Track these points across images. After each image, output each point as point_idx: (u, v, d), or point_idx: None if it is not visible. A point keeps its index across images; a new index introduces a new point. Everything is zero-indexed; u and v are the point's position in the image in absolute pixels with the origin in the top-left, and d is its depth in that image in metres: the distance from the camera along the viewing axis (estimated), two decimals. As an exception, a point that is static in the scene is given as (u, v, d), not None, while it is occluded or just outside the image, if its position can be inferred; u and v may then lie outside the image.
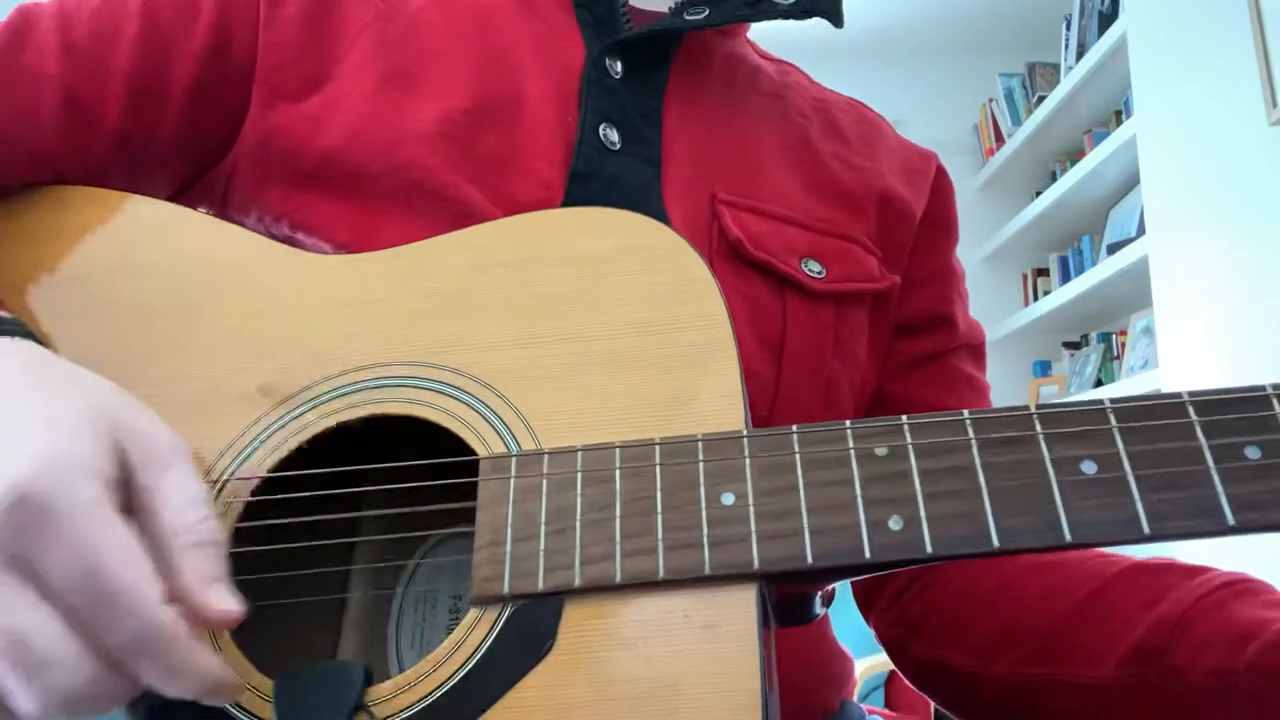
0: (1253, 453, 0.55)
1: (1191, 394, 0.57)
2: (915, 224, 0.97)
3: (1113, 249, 4.07)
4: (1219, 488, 0.54)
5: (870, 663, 2.34)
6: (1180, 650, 0.71)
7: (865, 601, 0.99)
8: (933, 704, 0.93)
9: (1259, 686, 0.66)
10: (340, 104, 0.81)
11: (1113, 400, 0.58)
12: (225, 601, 0.53)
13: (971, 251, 5.22)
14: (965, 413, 0.59)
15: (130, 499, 0.54)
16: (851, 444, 0.59)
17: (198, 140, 0.84)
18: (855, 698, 0.98)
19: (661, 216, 0.70)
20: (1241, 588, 0.73)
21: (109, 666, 0.50)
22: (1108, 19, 4.22)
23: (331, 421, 0.67)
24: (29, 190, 0.80)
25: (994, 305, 5.14)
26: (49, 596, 0.49)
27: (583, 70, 0.86)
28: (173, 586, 0.52)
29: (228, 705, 0.60)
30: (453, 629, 0.60)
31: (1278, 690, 0.65)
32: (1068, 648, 0.78)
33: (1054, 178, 4.87)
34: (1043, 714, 0.80)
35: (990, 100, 5.38)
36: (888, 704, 2.39)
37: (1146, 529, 0.54)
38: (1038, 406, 0.58)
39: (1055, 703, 0.79)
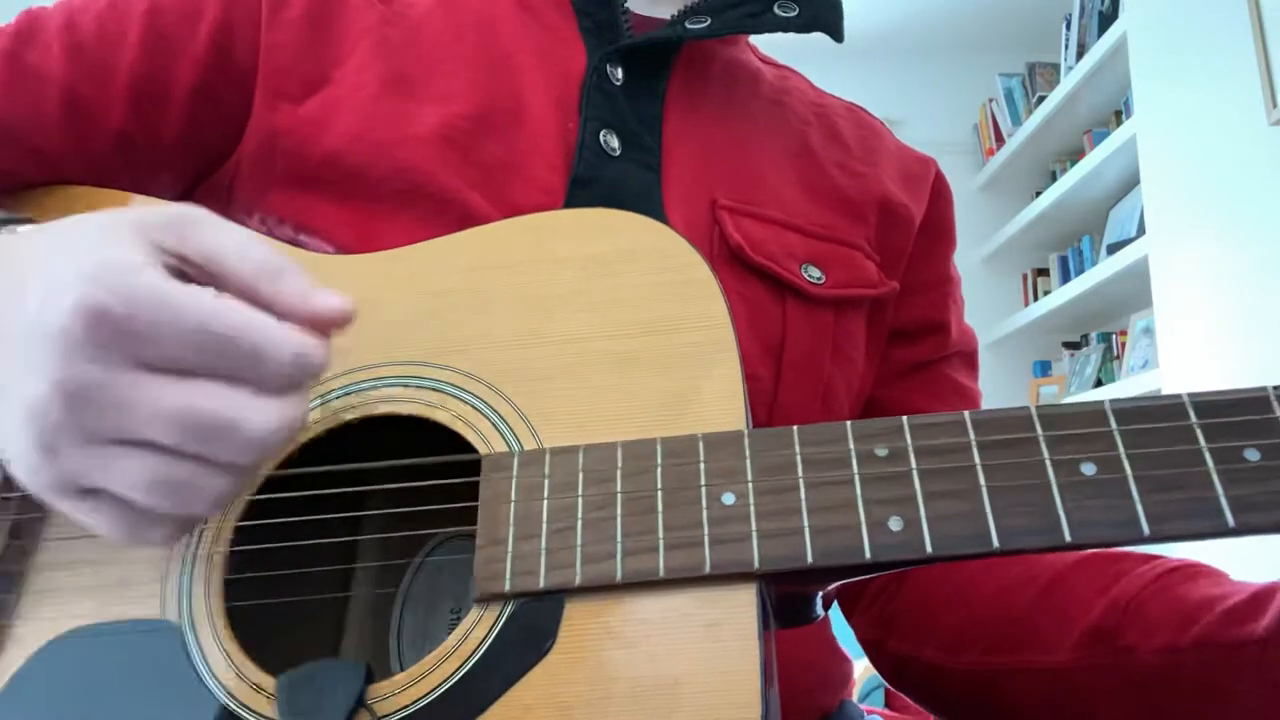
0: (1253, 455, 0.55)
1: (1192, 396, 0.57)
2: (914, 230, 0.98)
3: (1113, 249, 4.07)
4: (1219, 489, 0.54)
5: (870, 663, 2.32)
6: (1131, 631, 0.73)
7: (847, 602, 0.99)
8: (923, 708, 0.94)
9: (1203, 662, 0.68)
10: (341, 106, 0.81)
11: (1113, 402, 0.58)
12: (331, 300, 0.55)
13: (971, 252, 5.23)
14: (966, 414, 0.60)
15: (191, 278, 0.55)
16: (852, 444, 0.59)
17: (201, 142, 0.85)
18: (855, 698, 0.98)
19: (661, 222, 0.71)
20: (1191, 571, 0.76)
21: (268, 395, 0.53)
22: (1108, 19, 4.22)
23: (334, 421, 0.67)
24: (33, 190, 0.81)
25: (994, 305, 5.14)
26: (161, 372, 0.51)
27: (584, 77, 0.86)
28: (275, 314, 0.54)
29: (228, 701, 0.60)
30: (454, 628, 0.60)
31: (1221, 666, 0.67)
32: (1027, 636, 0.80)
33: (1054, 178, 4.87)
34: (1008, 702, 0.81)
35: (990, 100, 5.38)
36: (888, 704, 2.38)
37: (1146, 530, 0.54)
38: (1038, 407, 0.59)
39: (1018, 690, 0.80)
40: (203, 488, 0.53)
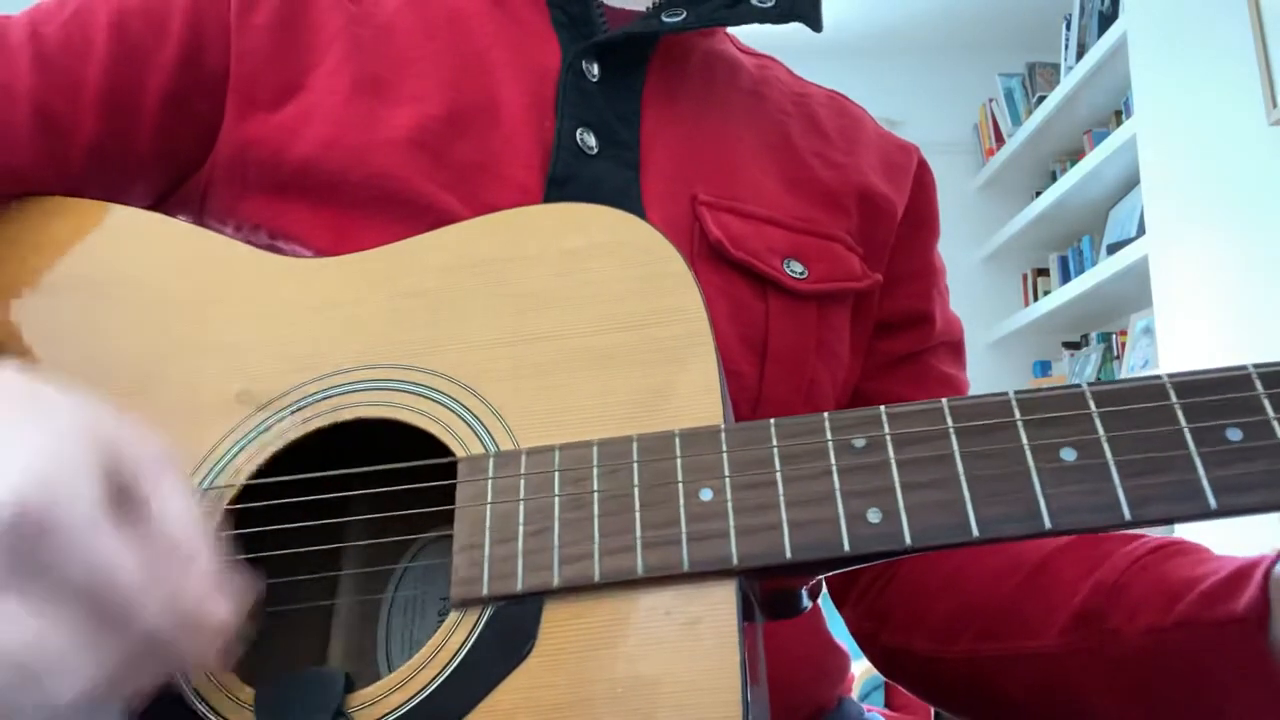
0: (1234, 435, 0.54)
1: (1172, 376, 0.57)
2: (896, 221, 0.97)
3: (1113, 249, 4.08)
4: (1200, 471, 0.53)
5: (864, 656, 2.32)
6: (1116, 613, 0.72)
7: (838, 595, 0.99)
8: (917, 697, 0.94)
9: (1187, 641, 0.67)
10: (314, 112, 0.81)
11: (1092, 384, 0.58)
12: (219, 609, 0.52)
13: (971, 251, 5.24)
14: (943, 401, 0.59)
15: (122, 512, 0.52)
16: (829, 436, 0.59)
17: (173, 151, 0.84)
18: (855, 697, 0.97)
19: (641, 219, 0.70)
20: (1174, 549, 0.76)
21: (118, 666, 0.50)
22: (1108, 19, 4.22)
23: (311, 427, 0.67)
24: (6, 202, 0.80)
25: (994, 305, 5.15)
26: (52, 609, 0.48)
27: (559, 74, 0.85)
28: (173, 595, 0.51)
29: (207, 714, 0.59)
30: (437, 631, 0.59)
31: (1203, 644, 0.66)
32: (1015, 622, 0.80)
33: (1054, 178, 4.87)
34: (1000, 689, 0.81)
35: (990, 100, 5.38)
36: (888, 704, 2.38)
37: (1128, 514, 0.53)
38: (1017, 393, 0.58)
39: (1009, 676, 0.80)
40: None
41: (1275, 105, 2.87)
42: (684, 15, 0.86)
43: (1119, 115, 4.43)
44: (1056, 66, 4.85)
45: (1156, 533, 0.75)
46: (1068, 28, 4.67)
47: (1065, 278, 4.87)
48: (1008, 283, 5.31)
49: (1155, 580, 0.72)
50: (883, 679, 2.51)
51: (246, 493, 0.66)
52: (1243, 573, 0.67)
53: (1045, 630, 0.76)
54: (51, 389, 0.55)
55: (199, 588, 0.52)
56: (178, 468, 0.55)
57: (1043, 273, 5.19)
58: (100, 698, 0.49)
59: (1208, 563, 0.72)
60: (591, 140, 0.83)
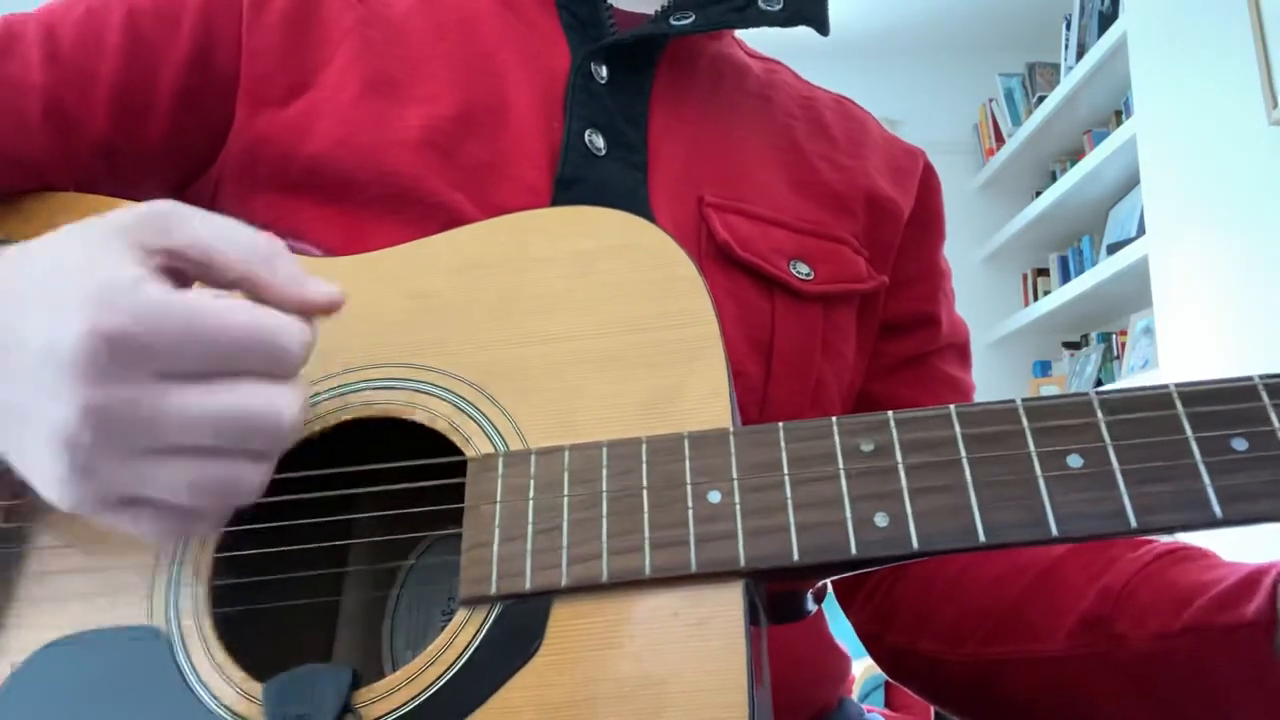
0: (1240, 444, 0.54)
1: (1178, 386, 0.57)
2: (902, 223, 0.97)
3: (1113, 249, 4.08)
4: (1206, 480, 0.54)
5: (870, 662, 2.32)
6: (1124, 618, 0.73)
7: (845, 597, 0.99)
8: (924, 700, 0.94)
9: (1195, 647, 0.68)
10: (324, 110, 0.81)
11: (1099, 392, 0.58)
12: (320, 288, 0.58)
13: (971, 251, 5.23)
14: (951, 407, 0.59)
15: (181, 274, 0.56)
16: (837, 440, 0.59)
17: (184, 148, 0.84)
18: (855, 698, 0.98)
19: (648, 221, 0.70)
20: (1181, 554, 0.76)
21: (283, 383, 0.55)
22: (1108, 19, 4.22)
23: (322, 424, 0.67)
24: (16, 195, 0.80)
25: (994, 305, 5.14)
26: (185, 380, 0.52)
27: (568, 76, 0.86)
28: (268, 301, 0.56)
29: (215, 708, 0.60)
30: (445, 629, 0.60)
31: (1212, 650, 0.67)
32: (1021, 625, 0.80)
33: (1054, 178, 4.87)
34: (1006, 692, 0.81)
35: (990, 100, 5.38)
36: (888, 704, 2.38)
37: (1134, 522, 0.54)
38: (1024, 400, 0.58)
39: (1015, 680, 0.80)
40: (241, 480, 0.55)
41: (1275, 105, 2.87)
42: (692, 18, 0.87)
43: (1119, 115, 4.43)
44: (1056, 66, 4.84)
45: (1162, 537, 0.76)
46: (1068, 28, 4.67)
47: (1065, 278, 4.87)
48: (1008, 283, 5.31)
49: (1163, 586, 0.72)
50: (883, 679, 2.53)
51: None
52: (1252, 579, 0.67)
53: (1052, 634, 0.77)
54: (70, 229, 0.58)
55: (287, 287, 0.57)
56: (186, 209, 0.58)
57: (1043, 273, 5.19)
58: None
59: (1215, 569, 0.72)
60: (600, 141, 0.83)
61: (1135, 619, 0.72)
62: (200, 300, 0.52)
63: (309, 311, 0.57)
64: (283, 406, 0.54)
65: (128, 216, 0.56)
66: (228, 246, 0.56)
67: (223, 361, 0.53)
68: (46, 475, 0.53)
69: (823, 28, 0.91)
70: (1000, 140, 5.31)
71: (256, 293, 0.56)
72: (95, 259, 0.53)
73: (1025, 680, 0.79)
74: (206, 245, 0.56)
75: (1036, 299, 5.05)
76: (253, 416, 0.53)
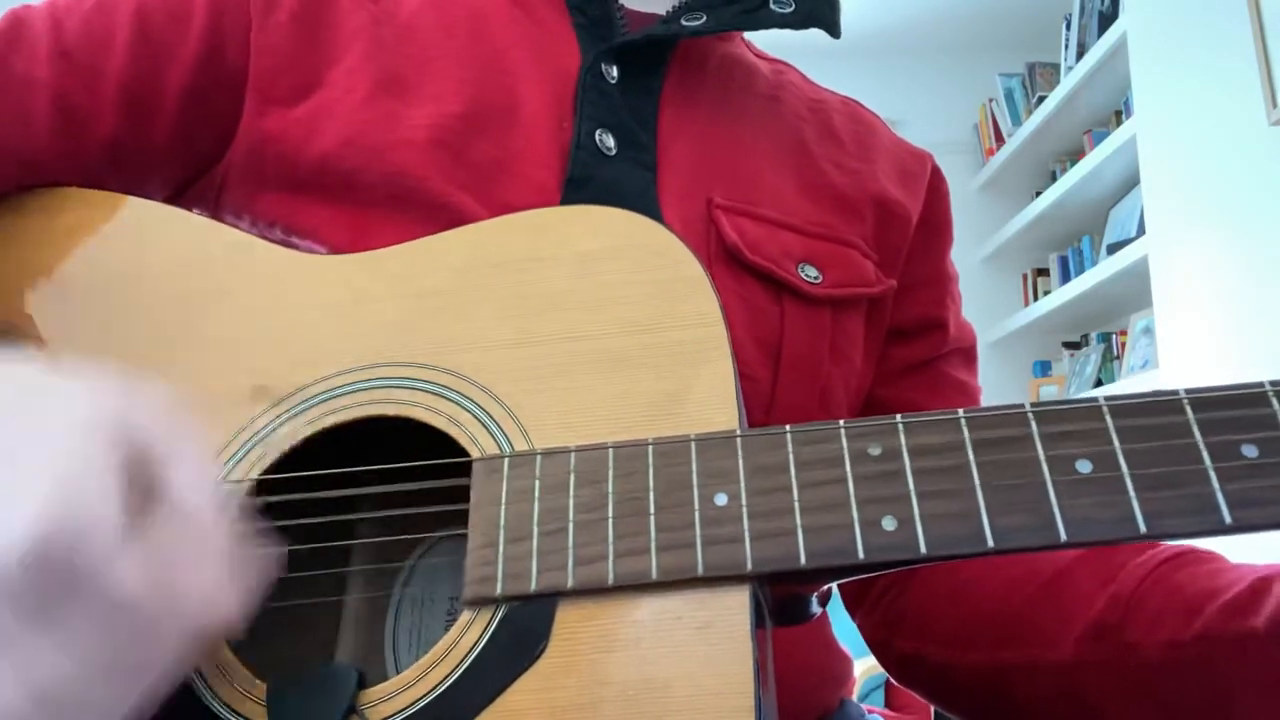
0: (1250, 451, 0.54)
1: (1188, 391, 0.57)
2: (911, 227, 0.97)
3: (1113, 249, 4.08)
4: (1216, 486, 0.54)
5: (870, 663, 2.33)
6: (1134, 626, 0.72)
7: (852, 600, 0.99)
8: (932, 705, 0.94)
9: (1205, 655, 0.67)
10: (332, 109, 0.81)
11: (1108, 398, 0.58)
12: (229, 609, 0.52)
13: (971, 251, 5.23)
14: (960, 411, 0.59)
15: (138, 505, 0.50)
16: (845, 443, 0.59)
17: (191, 146, 0.84)
18: (855, 698, 0.98)
19: (657, 221, 0.70)
20: (1190, 559, 0.76)
21: (141, 682, 0.49)
22: (1108, 19, 4.22)
23: (326, 423, 0.67)
24: (21, 192, 0.80)
25: (994, 305, 5.15)
26: (69, 644, 0.47)
27: (578, 75, 0.85)
28: (187, 582, 0.50)
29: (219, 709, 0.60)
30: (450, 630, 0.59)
31: (1223, 659, 0.66)
32: (1030, 631, 0.79)
33: (1054, 178, 4.87)
34: (1015, 698, 0.81)
35: (990, 100, 5.38)
36: (888, 704, 2.38)
37: (1143, 528, 0.53)
38: (1033, 404, 0.58)
39: (1024, 686, 0.80)
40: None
41: (1275, 105, 2.87)
42: (704, 19, 0.86)
43: (1119, 115, 4.43)
44: (1056, 66, 4.85)
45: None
46: (1068, 28, 4.67)
47: (1065, 278, 4.87)
48: (1008, 283, 5.31)
49: (1172, 591, 0.72)
50: (883, 679, 2.53)
51: (259, 488, 0.66)
52: (1262, 585, 0.67)
53: (1061, 641, 0.77)
54: (60, 379, 0.53)
55: (217, 577, 0.51)
56: (189, 439, 0.53)
57: (1043, 273, 5.19)
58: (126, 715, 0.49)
59: (1225, 573, 0.72)
60: (610, 141, 0.83)
61: (1145, 626, 0.72)
62: (129, 573, 0.47)
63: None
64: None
65: (135, 416, 0.51)
66: (188, 499, 0.51)
67: (94, 634, 0.47)
68: None
69: (834, 30, 0.91)
70: (1000, 140, 5.31)
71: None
72: (70, 450, 0.48)
73: (1033, 687, 0.79)
74: (169, 485, 0.51)
75: (1036, 299, 5.05)
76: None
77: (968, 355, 1.02)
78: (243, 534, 0.53)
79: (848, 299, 0.88)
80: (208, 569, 0.51)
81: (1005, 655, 0.81)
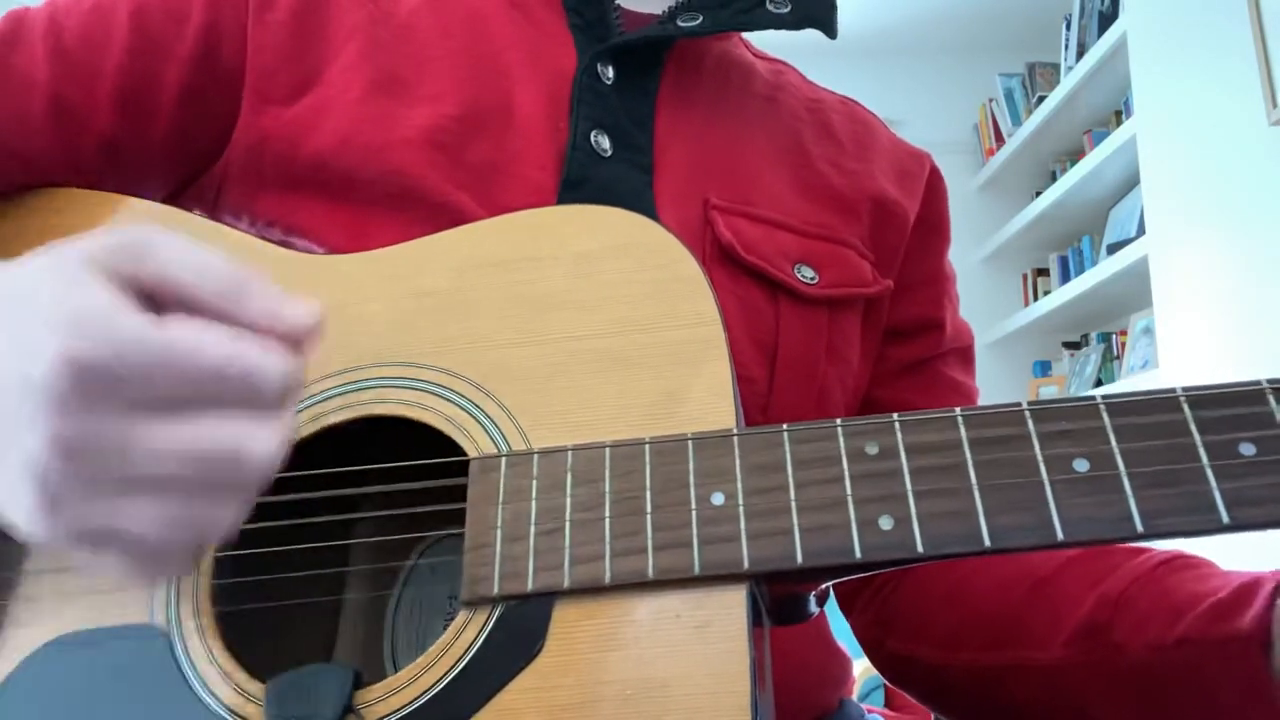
0: (1247, 449, 0.54)
1: (1185, 389, 0.57)
2: (908, 227, 0.97)
3: (1113, 249, 4.08)
4: (1213, 484, 0.54)
5: (870, 663, 2.33)
6: (1121, 626, 0.73)
7: (845, 601, 0.99)
8: (924, 706, 0.94)
9: (1190, 657, 0.68)
10: (329, 108, 0.81)
11: (1105, 396, 0.58)
12: (300, 310, 0.54)
13: (971, 252, 5.23)
14: (957, 410, 0.59)
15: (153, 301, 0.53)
16: (842, 442, 0.59)
17: (189, 145, 0.84)
18: (855, 698, 0.98)
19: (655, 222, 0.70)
20: (1179, 564, 0.76)
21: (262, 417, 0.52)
22: (1108, 19, 4.22)
23: (324, 423, 0.67)
24: (20, 193, 0.80)
25: (994, 305, 5.14)
26: (156, 411, 0.50)
27: (574, 76, 0.85)
28: (244, 325, 0.53)
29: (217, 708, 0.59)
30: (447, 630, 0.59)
31: (1206, 661, 0.67)
32: (1020, 632, 0.80)
33: (1054, 178, 4.87)
34: (1006, 698, 0.81)
35: (990, 100, 5.38)
36: (888, 704, 2.38)
37: (1140, 527, 0.54)
38: (1030, 403, 0.58)
39: (1014, 687, 0.80)
40: (215, 518, 0.52)
41: (1275, 105, 2.87)
42: (700, 20, 0.87)
43: (1119, 115, 4.43)
44: (1056, 66, 4.84)
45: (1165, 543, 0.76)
46: (1068, 28, 4.67)
47: (1065, 278, 4.86)
48: (1008, 283, 5.31)
49: (1160, 595, 0.73)
50: (883, 679, 2.52)
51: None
52: (1248, 590, 0.67)
53: (1050, 642, 0.77)
54: (25, 261, 0.55)
55: (264, 314, 0.53)
56: (161, 236, 0.54)
57: (1043, 273, 5.19)
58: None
59: (1213, 578, 0.72)
60: (606, 142, 0.83)
61: (1132, 628, 0.72)
62: (175, 330, 0.50)
63: (290, 336, 0.54)
64: (256, 442, 0.51)
65: (97, 244, 0.53)
66: (199, 277, 0.53)
67: (196, 393, 0.50)
68: (18, 507, 0.51)
69: (830, 30, 0.91)
70: (1000, 140, 5.30)
71: (233, 322, 0.53)
72: (67, 288, 0.51)
73: (1024, 687, 0.79)
74: (178, 275, 0.53)
75: (1036, 299, 5.05)
76: (224, 451, 0.51)
77: (964, 355, 1.02)
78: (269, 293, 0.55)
79: (844, 299, 0.88)
80: (253, 303, 0.53)
81: (996, 656, 0.81)
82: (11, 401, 0.49)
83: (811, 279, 0.85)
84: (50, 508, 0.50)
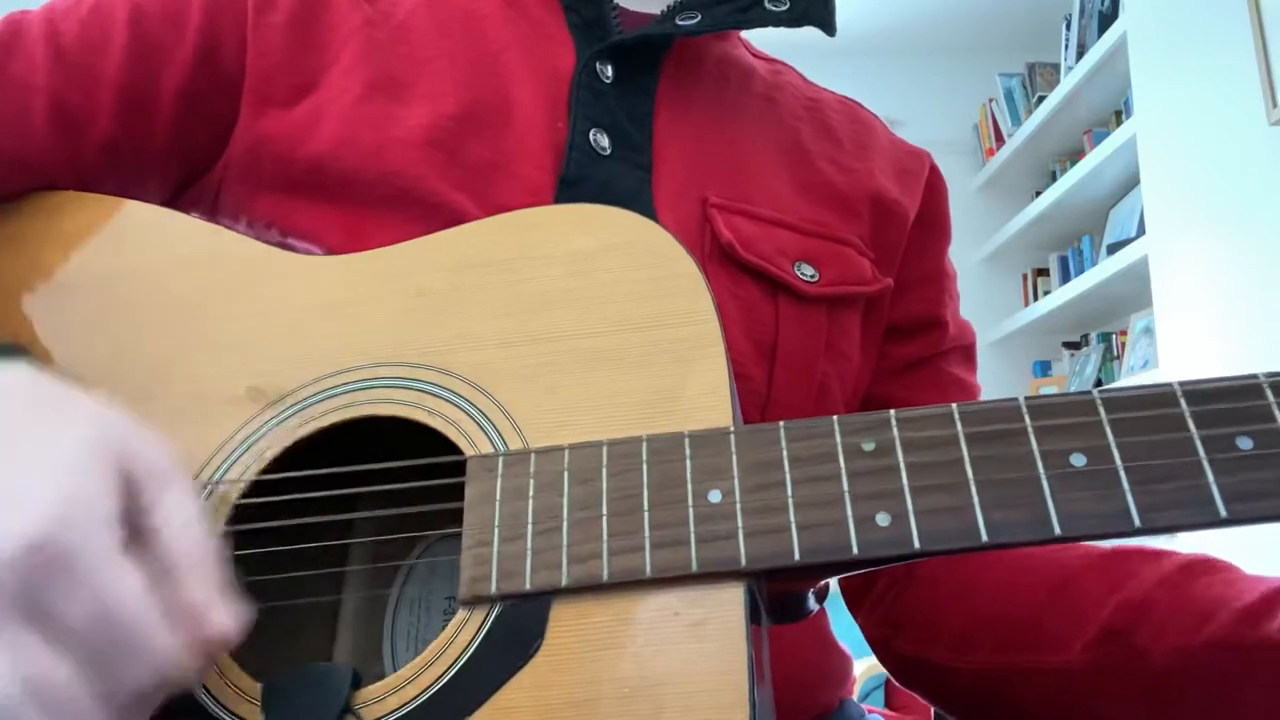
0: (1245, 443, 0.54)
1: (1182, 384, 0.56)
2: (908, 225, 0.97)
3: (1113, 249, 4.08)
4: (1210, 479, 0.53)
5: (870, 663, 2.34)
6: (1143, 631, 0.72)
7: (853, 599, 0.99)
8: (932, 707, 0.94)
9: (1215, 663, 0.67)
10: (327, 110, 0.81)
11: (1102, 391, 0.57)
12: (222, 622, 0.52)
13: (971, 252, 5.23)
14: (954, 406, 0.59)
15: (129, 529, 0.52)
16: (839, 439, 0.59)
17: (188, 148, 0.84)
18: (855, 698, 0.97)
19: (652, 221, 0.70)
20: (1202, 568, 0.75)
21: (119, 706, 0.50)
22: (1108, 19, 4.22)
23: (321, 424, 0.67)
24: (19, 196, 0.80)
25: (994, 305, 5.14)
26: (63, 642, 0.48)
27: (573, 75, 0.85)
28: (175, 604, 0.51)
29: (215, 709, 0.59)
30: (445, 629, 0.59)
31: (1233, 667, 0.66)
32: (1037, 635, 0.79)
33: (1054, 178, 4.87)
34: (1018, 702, 0.81)
35: (990, 100, 5.38)
36: (888, 704, 2.38)
37: (1137, 522, 0.53)
38: (1027, 398, 0.58)
39: (1028, 690, 0.79)
40: None
41: (1275, 105, 2.87)
42: (698, 18, 0.86)
43: (1119, 115, 4.43)
44: (1056, 66, 4.85)
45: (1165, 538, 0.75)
46: (1068, 28, 4.67)
47: (1065, 278, 4.87)
48: (1008, 283, 5.31)
49: (1183, 599, 0.72)
50: (883, 679, 2.53)
51: (255, 489, 0.66)
52: (1275, 595, 0.66)
53: (1068, 646, 0.76)
54: (67, 393, 0.55)
55: (197, 606, 0.52)
56: (184, 474, 0.55)
57: (1043, 273, 5.19)
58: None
59: (1238, 583, 0.71)
60: (604, 141, 0.83)
61: (1155, 632, 0.71)
62: (122, 579, 0.49)
63: (205, 635, 0.52)
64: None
65: (134, 445, 0.53)
66: (182, 533, 0.53)
67: (84, 639, 0.48)
68: None
69: (829, 28, 0.91)
70: (1000, 140, 5.31)
71: (175, 588, 0.52)
72: (78, 466, 0.50)
73: (1039, 691, 0.79)
74: (163, 524, 0.53)
75: (1036, 299, 5.05)
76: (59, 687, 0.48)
77: (967, 353, 1.02)
78: (223, 582, 0.54)
79: (844, 297, 0.88)
80: (196, 591, 0.52)
81: (1010, 658, 0.80)
82: None
83: (811, 277, 0.85)
84: None
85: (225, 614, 0.53)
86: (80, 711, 0.48)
